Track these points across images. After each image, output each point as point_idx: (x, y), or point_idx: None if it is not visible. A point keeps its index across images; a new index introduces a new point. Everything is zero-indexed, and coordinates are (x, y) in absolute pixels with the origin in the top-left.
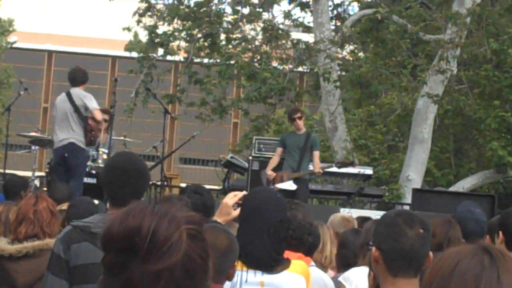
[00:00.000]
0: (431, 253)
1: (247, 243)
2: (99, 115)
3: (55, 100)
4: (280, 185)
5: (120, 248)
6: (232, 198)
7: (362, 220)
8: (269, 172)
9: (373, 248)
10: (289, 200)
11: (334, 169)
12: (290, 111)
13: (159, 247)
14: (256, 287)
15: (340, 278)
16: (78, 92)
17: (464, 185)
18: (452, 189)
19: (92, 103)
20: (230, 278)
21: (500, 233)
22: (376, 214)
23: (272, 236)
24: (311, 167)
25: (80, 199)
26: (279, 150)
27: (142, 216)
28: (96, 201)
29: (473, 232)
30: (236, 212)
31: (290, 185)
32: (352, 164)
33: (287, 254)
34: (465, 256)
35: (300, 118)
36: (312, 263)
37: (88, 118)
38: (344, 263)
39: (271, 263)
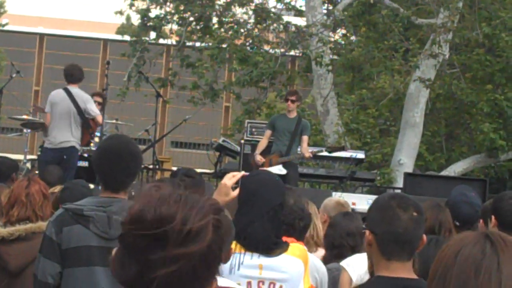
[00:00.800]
0: (424, 236)
1: (246, 226)
2: (101, 120)
3: (52, 97)
4: (270, 169)
5: (149, 234)
6: (231, 178)
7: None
8: (258, 157)
9: (367, 231)
10: None
11: (325, 153)
12: (288, 91)
13: (187, 237)
14: (254, 269)
15: (343, 264)
16: (80, 94)
17: (455, 169)
18: (443, 173)
19: (95, 109)
20: (225, 260)
21: (493, 217)
22: (368, 198)
23: (271, 219)
24: (299, 151)
25: (74, 182)
26: (268, 132)
27: (176, 205)
28: (91, 185)
29: (467, 215)
30: (235, 193)
31: (279, 169)
32: (343, 148)
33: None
34: (467, 243)
35: (293, 101)
36: (304, 247)
37: (90, 121)
38: (329, 243)
39: (270, 246)
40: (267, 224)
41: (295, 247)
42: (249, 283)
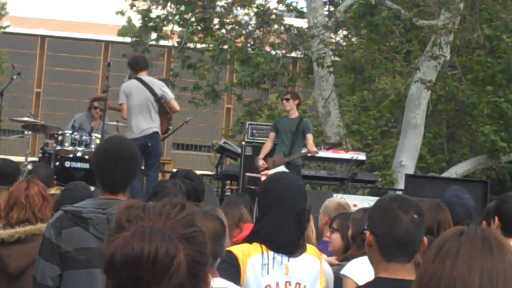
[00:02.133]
0: (425, 238)
1: (274, 230)
2: (177, 106)
3: (125, 88)
4: (273, 171)
5: (124, 277)
6: None
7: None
8: (260, 162)
9: (367, 232)
10: None
11: (327, 154)
12: (282, 92)
13: (162, 272)
14: (282, 269)
15: (344, 272)
16: (154, 81)
17: (456, 170)
18: (444, 175)
19: (170, 93)
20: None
21: (496, 218)
22: (369, 200)
23: (297, 222)
24: (303, 151)
25: (74, 184)
26: (272, 135)
27: (141, 242)
28: (92, 188)
29: (461, 216)
30: None
31: (282, 170)
32: (340, 144)
33: None
34: (461, 238)
35: (287, 100)
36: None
37: (167, 107)
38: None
39: (295, 248)
40: (293, 228)
41: (310, 247)
42: (277, 284)
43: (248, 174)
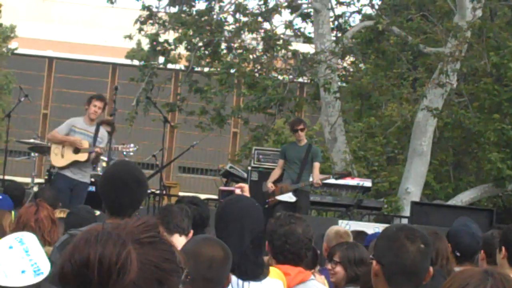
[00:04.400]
0: (431, 268)
1: (238, 257)
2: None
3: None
4: (280, 197)
5: (75, 285)
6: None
7: (357, 234)
8: (269, 184)
9: (374, 262)
10: (290, 214)
11: (332, 180)
12: (293, 122)
13: (109, 274)
14: None
15: None
16: None
17: (462, 198)
18: (450, 202)
19: None
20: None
21: (503, 248)
22: (374, 227)
23: (256, 246)
24: (311, 179)
25: (79, 208)
26: (281, 162)
27: (87, 248)
28: (97, 212)
29: (468, 246)
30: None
31: (289, 197)
32: (349, 174)
33: (287, 268)
34: (471, 278)
35: (302, 130)
36: (312, 276)
37: None
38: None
39: (256, 272)
40: (253, 251)
41: (273, 270)
42: None
43: (221, 188)
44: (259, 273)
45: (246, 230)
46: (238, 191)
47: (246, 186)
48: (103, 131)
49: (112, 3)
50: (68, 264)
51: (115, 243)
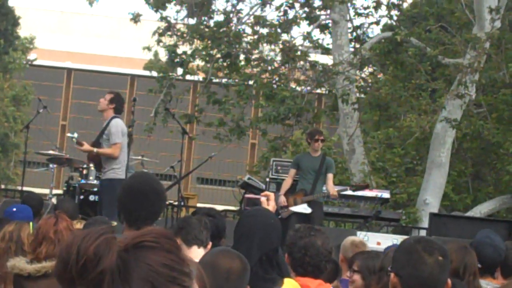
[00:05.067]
0: (449, 281)
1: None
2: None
3: (123, 126)
4: (294, 208)
5: (63, 280)
6: (268, 204)
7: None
8: (282, 198)
9: (392, 274)
10: (309, 226)
11: (349, 192)
12: (314, 131)
13: (88, 264)
14: None
15: None
16: None
17: (481, 209)
18: (469, 213)
19: None
20: None
21: None
22: (393, 238)
23: (264, 263)
24: (325, 190)
25: (95, 218)
26: (292, 171)
27: (70, 244)
28: (114, 223)
29: (490, 258)
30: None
31: (304, 208)
32: (367, 187)
33: (307, 281)
34: None
35: (323, 140)
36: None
37: None
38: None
39: (266, 286)
40: (259, 269)
41: (289, 282)
42: None
43: (247, 195)
44: (269, 286)
45: (254, 246)
46: (263, 199)
47: (272, 195)
48: (113, 127)
49: (136, 22)
50: (58, 266)
51: (94, 234)
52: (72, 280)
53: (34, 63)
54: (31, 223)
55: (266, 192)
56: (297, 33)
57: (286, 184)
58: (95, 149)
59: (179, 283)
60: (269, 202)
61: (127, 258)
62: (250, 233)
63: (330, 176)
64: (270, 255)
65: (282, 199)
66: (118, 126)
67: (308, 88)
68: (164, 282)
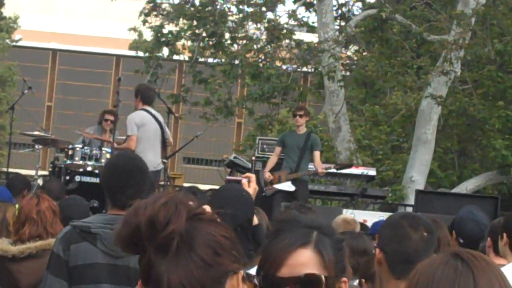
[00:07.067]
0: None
1: None
2: (171, 141)
3: (138, 119)
4: (278, 186)
5: (133, 243)
6: (248, 185)
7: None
8: (267, 174)
9: (377, 250)
10: (300, 204)
11: (334, 170)
12: (296, 107)
13: (158, 222)
14: None
15: None
16: (159, 116)
17: (467, 186)
18: (455, 190)
19: (168, 130)
20: None
21: (505, 235)
22: (379, 215)
23: (239, 235)
24: (310, 167)
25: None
26: (278, 149)
27: (137, 208)
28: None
29: (472, 233)
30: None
31: (288, 186)
32: (351, 166)
33: None
34: (438, 265)
35: (301, 116)
36: None
37: (167, 142)
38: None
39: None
40: (240, 238)
41: None
42: None
43: (228, 177)
44: (246, 261)
45: (226, 219)
46: (245, 181)
47: (253, 176)
48: (127, 120)
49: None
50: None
51: (166, 199)
52: (139, 244)
53: (19, 44)
54: (16, 205)
55: (248, 174)
56: (282, 11)
57: (271, 162)
58: (115, 144)
59: (234, 255)
60: (250, 184)
61: (190, 226)
62: (221, 206)
63: (317, 153)
64: (244, 228)
65: (267, 174)
66: (130, 119)
67: (294, 66)
68: (224, 250)
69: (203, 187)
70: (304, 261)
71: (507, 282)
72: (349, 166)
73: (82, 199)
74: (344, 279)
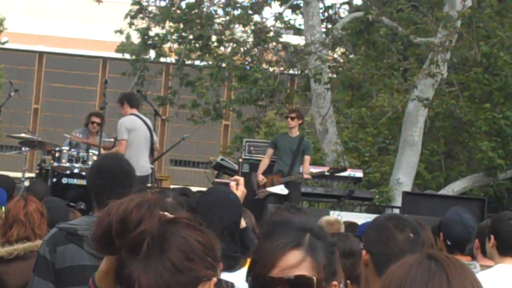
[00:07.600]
0: None
1: None
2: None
3: (128, 123)
4: (271, 189)
5: (106, 243)
6: (236, 188)
7: (349, 225)
8: (260, 177)
9: (363, 251)
10: (290, 205)
11: (326, 173)
12: (289, 110)
13: (129, 220)
14: None
15: None
16: (149, 121)
17: (454, 188)
18: (442, 192)
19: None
20: None
21: (492, 237)
22: (366, 217)
23: (226, 238)
24: (300, 173)
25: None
26: (270, 151)
27: (110, 208)
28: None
29: (459, 235)
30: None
31: (281, 189)
32: (345, 170)
33: None
34: (411, 266)
35: (293, 118)
36: None
37: (155, 148)
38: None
39: (229, 263)
40: (227, 241)
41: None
42: None
43: (216, 180)
44: (230, 265)
45: (214, 221)
46: (233, 184)
47: (241, 179)
48: (118, 124)
49: (98, 1)
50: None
51: (139, 200)
52: (112, 244)
53: (5, 46)
54: (3, 208)
55: (236, 177)
56: (269, 13)
57: (263, 164)
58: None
59: (208, 261)
60: (238, 186)
61: (164, 229)
62: (208, 209)
63: (307, 158)
64: (232, 231)
65: (260, 178)
66: (121, 123)
67: (281, 68)
68: (196, 255)
69: (191, 189)
70: (296, 263)
71: (480, 284)
72: (343, 170)
73: (61, 201)
74: (335, 282)
